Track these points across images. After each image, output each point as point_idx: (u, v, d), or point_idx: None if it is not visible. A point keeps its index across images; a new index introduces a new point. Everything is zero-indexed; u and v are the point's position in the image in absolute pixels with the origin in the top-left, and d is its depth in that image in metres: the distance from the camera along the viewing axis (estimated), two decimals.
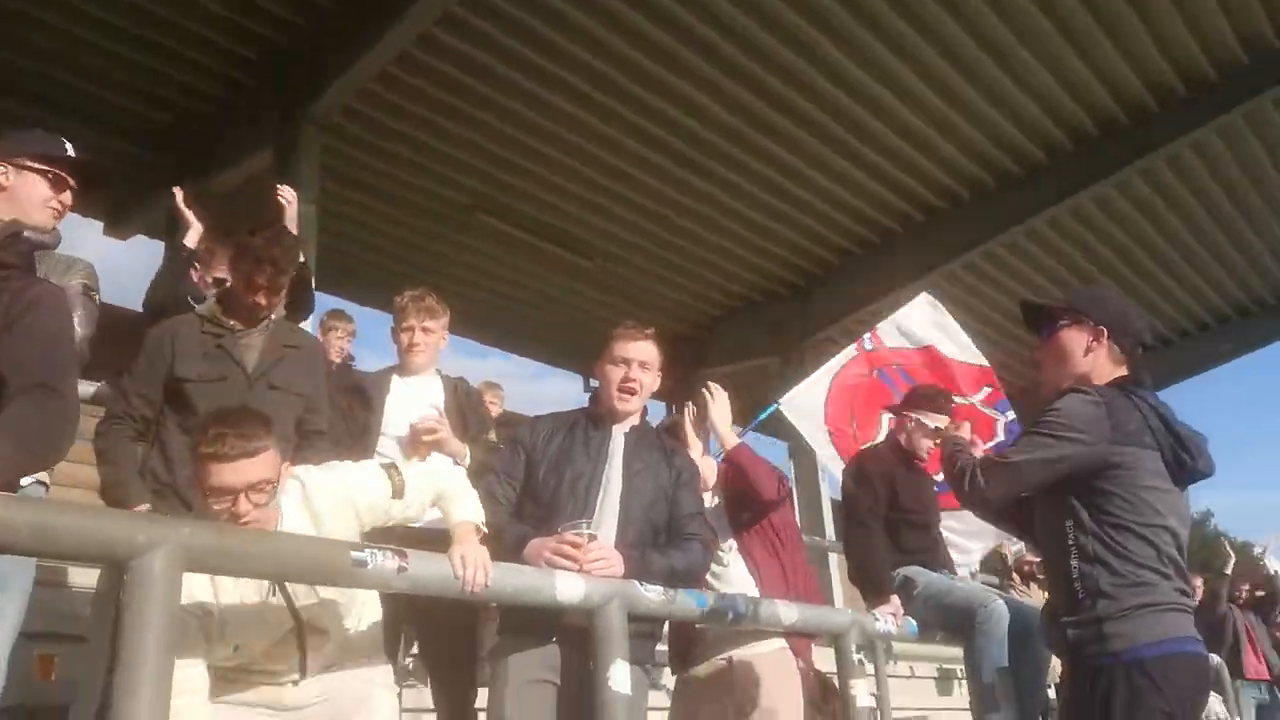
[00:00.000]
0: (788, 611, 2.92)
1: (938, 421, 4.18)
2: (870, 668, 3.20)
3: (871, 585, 3.75)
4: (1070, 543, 2.41)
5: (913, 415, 4.21)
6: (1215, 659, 6.20)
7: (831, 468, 5.03)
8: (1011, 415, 4.93)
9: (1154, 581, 2.35)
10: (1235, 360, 14.00)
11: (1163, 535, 2.39)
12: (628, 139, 8.89)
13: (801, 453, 11.28)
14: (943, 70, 8.48)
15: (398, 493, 2.42)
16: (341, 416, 3.37)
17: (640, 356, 2.88)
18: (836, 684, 3.20)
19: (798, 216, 10.31)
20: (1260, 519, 71.30)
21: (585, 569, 2.42)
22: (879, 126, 9.06)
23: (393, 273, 9.60)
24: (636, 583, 2.47)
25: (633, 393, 2.85)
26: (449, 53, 7.68)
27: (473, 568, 2.19)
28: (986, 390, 5.08)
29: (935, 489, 4.13)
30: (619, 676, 2.27)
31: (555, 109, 8.42)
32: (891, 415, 4.38)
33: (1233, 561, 8.94)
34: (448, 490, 2.51)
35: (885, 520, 3.94)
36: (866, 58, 8.29)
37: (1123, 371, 2.59)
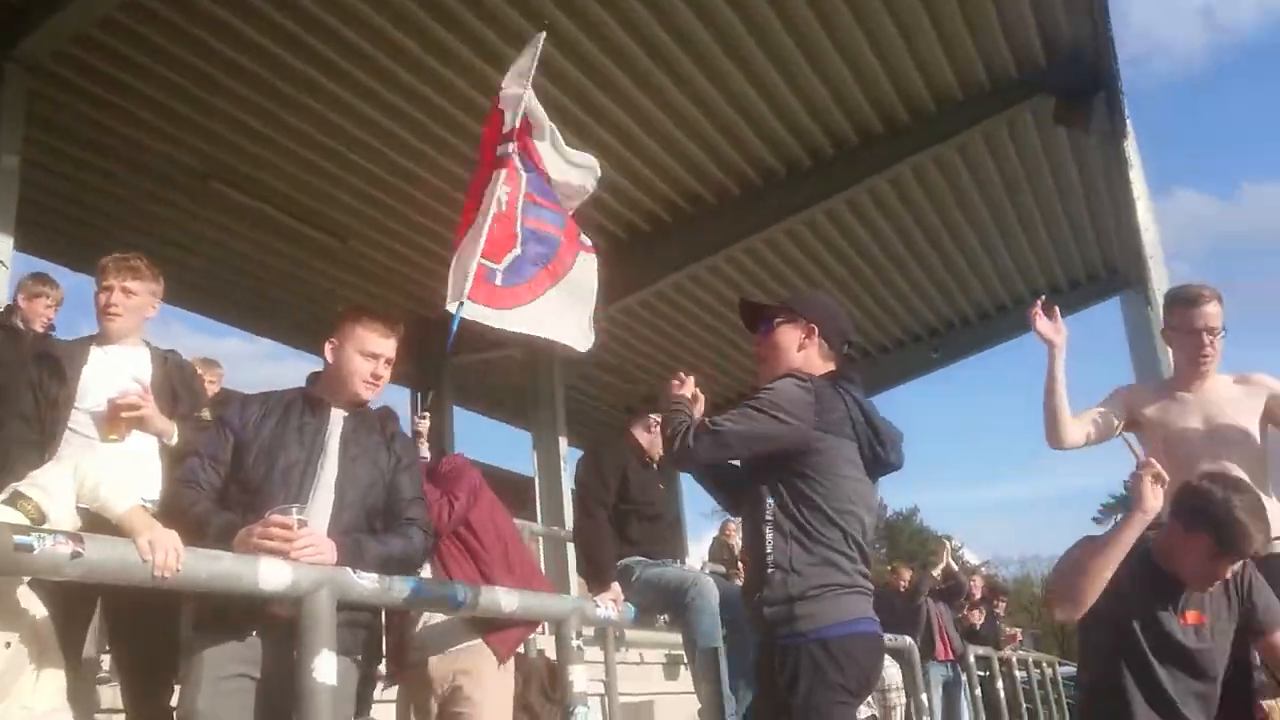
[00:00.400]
0: (508, 599, 2.92)
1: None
2: (601, 653, 3.27)
3: (595, 573, 3.85)
4: (768, 520, 2.53)
5: (655, 418, 4.36)
6: (909, 640, 6.80)
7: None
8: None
9: (840, 564, 2.49)
10: (943, 368, 15.42)
11: (852, 521, 2.54)
12: (382, 117, 8.58)
13: (543, 445, 11.39)
14: (702, 75, 8.77)
15: (38, 520, 2.22)
16: (31, 389, 3.07)
17: (389, 353, 2.80)
18: None
19: None
20: (959, 515, 78.87)
21: (293, 556, 2.30)
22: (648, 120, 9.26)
23: (116, 239, 8.75)
24: (349, 570, 2.38)
25: (376, 388, 2.78)
26: (186, 6, 7.13)
27: (162, 551, 2.03)
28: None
29: (660, 484, 4.30)
30: (323, 667, 2.18)
31: (307, 80, 7.98)
32: (633, 415, 4.50)
33: (943, 565, 9.87)
34: (99, 481, 2.34)
35: (615, 511, 4.05)
36: (631, 63, 8.44)
37: (832, 367, 2.75)
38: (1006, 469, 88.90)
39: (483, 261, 3.19)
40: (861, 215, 11.19)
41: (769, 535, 2.51)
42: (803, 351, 2.74)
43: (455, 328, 3.91)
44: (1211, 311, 3.39)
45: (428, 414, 5.01)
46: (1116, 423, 3.44)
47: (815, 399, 2.55)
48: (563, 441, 11.29)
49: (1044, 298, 3.56)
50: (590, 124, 9.05)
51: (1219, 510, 2.59)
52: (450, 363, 12.07)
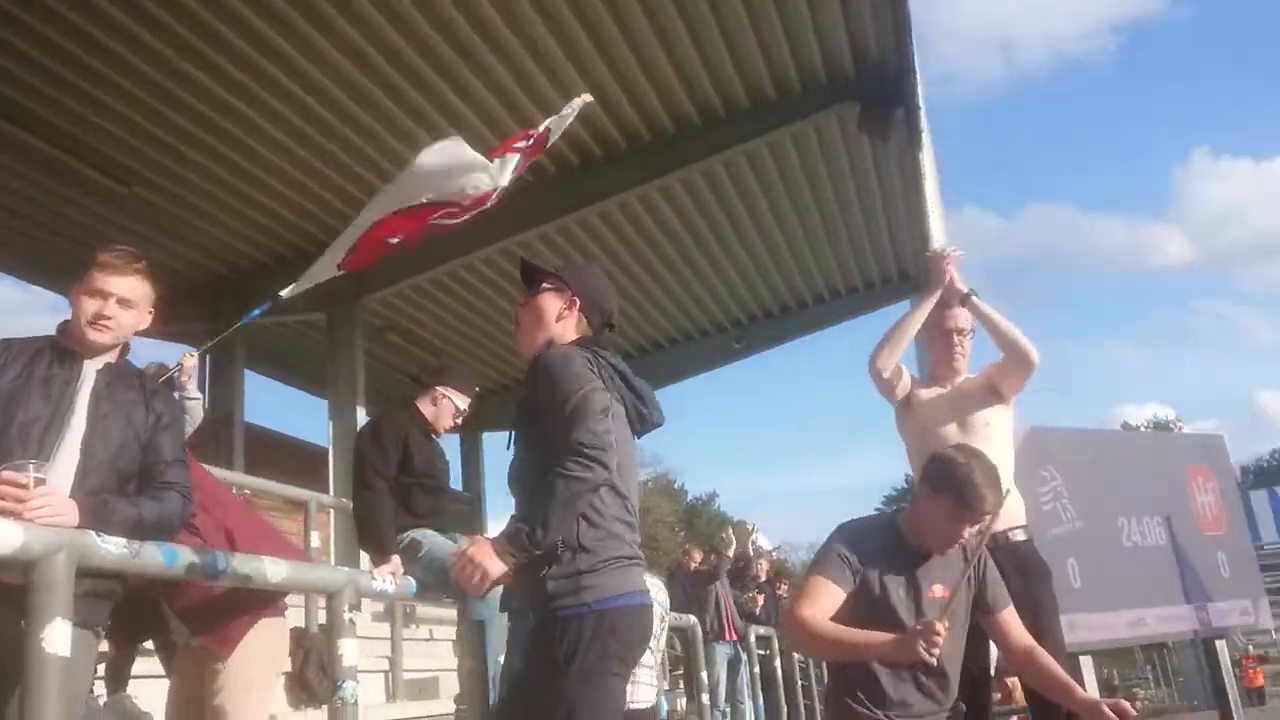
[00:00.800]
0: (276, 569, 2.80)
1: (464, 401, 4.36)
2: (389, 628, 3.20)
3: (374, 545, 3.78)
4: None
5: (445, 391, 4.34)
6: (692, 619, 7.02)
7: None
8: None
9: (624, 535, 2.54)
10: (745, 358, 15.89)
11: (630, 487, 2.61)
12: (179, 59, 8.04)
13: (340, 415, 11.04)
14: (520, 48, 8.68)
15: None
16: None
17: (121, 292, 2.59)
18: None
19: (355, 166, 9.94)
20: (755, 501, 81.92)
21: (26, 516, 2.13)
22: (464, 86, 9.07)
23: None
24: (92, 533, 2.22)
25: (105, 329, 2.57)
26: None
27: None
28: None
29: (447, 461, 4.27)
30: (55, 638, 2.01)
31: (98, 13, 7.43)
32: (419, 387, 4.44)
33: (738, 548, 10.23)
34: None
35: (397, 484, 3.98)
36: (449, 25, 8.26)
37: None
38: (799, 459, 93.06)
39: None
40: (674, 203, 11.38)
41: None
42: (560, 322, 2.75)
43: (257, 313, 4.29)
44: (961, 314, 3.88)
45: (195, 351, 4.72)
46: (902, 385, 3.88)
47: (590, 364, 2.57)
48: (361, 412, 10.98)
49: (958, 251, 3.99)
50: (407, 89, 8.83)
51: (960, 474, 2.84)
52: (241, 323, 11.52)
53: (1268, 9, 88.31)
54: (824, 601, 2.84)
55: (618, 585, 2.47)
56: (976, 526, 2.90)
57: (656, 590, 4.50)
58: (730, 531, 10.59)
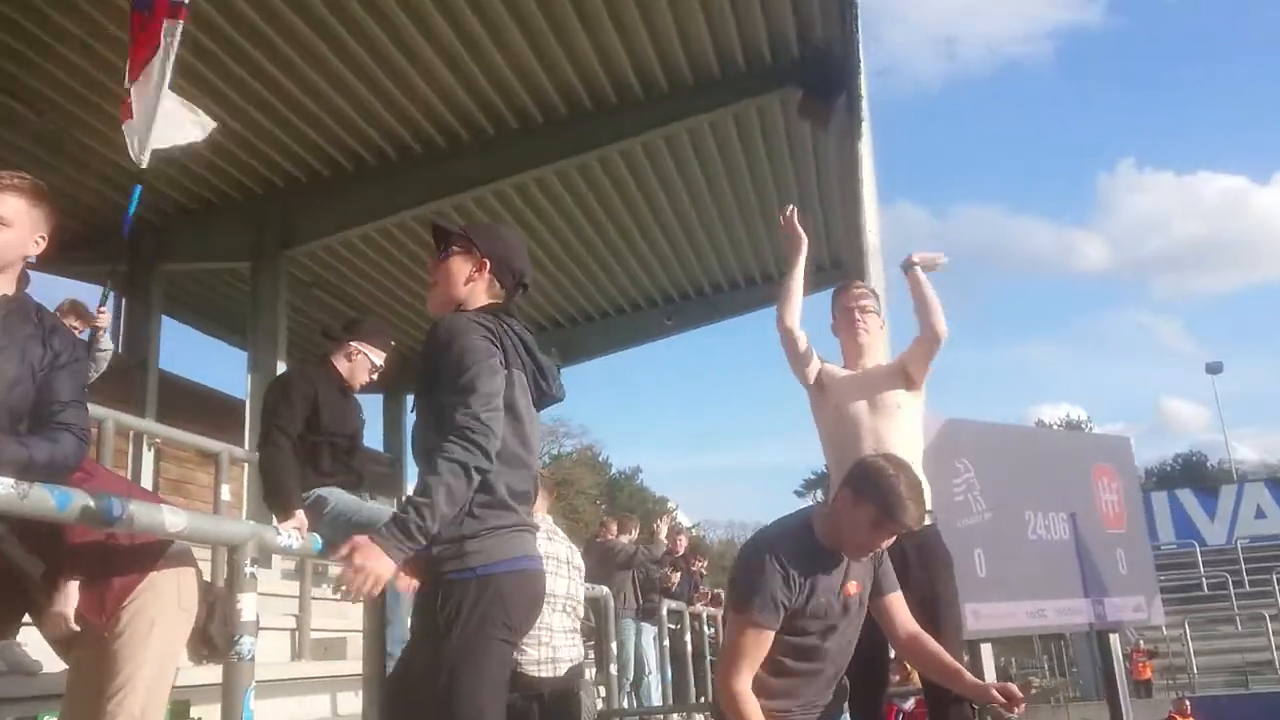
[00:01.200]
0: (175, 518, 2.72)
1: (379, 356, 4.28)
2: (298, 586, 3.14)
3: (279, 502, 3.70)
4: None
5: (359, 346, 4.25)
6: (605, 590, 7.05)
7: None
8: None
9: (513, 505, 2.51)
10: (676, 335, 15.95)
11: (530, 455, 2.58)
12: None
13: (260, 367, 10.81)
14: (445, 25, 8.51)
15: None
16: None
17: (5, 213, 2.46)
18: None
19: (287, 113, 9.62)
20: (677, 478, 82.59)
21: None
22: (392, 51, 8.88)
23: None
24: None
25: None
26: None
27: None
28: None
29: (360, 416, 4.19)
30: None
31: None
32: (334, 342, 4.35)
33: (663, 535, 10.28)
34: None
35: (305, 441, 3.90)
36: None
37: (497, 304, 2.72)
38: (723, 440, 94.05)
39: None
40: (612, 174, 11.33)
41: None
42: (470, 285, 2.71)
43: (132, 210, 4.12)
44: (859, 293, 4.00)
45: (106, 308, 4.59)
46: (813, 365, 3.91)
47: (493, 335, 2.53)
48: (281, 366, 10.74)
49: (792, 207, 4.00)
50: (349, 42, 8.62)
51: (886, 484, 2.82)
52: (162, 270, 11.19)
53: (1199, 30, 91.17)
54: (757, 656, 2.84)
55: (505, 550, 2.44)
56: (894, 538, 2.92)
57: (570, 553, 4.50)
58: (663, 527, 10.64)
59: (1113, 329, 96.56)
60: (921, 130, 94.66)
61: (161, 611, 3.08)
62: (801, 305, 3.93)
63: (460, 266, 2.72)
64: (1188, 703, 16.89)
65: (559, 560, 4.42)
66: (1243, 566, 23.27)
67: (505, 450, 2.49)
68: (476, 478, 2.37)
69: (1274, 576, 21.94)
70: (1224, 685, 19.77)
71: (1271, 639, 20.05)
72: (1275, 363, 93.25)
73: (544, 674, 4.11)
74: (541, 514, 4.46)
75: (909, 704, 8.26)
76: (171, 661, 3.13)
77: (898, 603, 3.12)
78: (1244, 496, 26.79)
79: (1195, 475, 48.92)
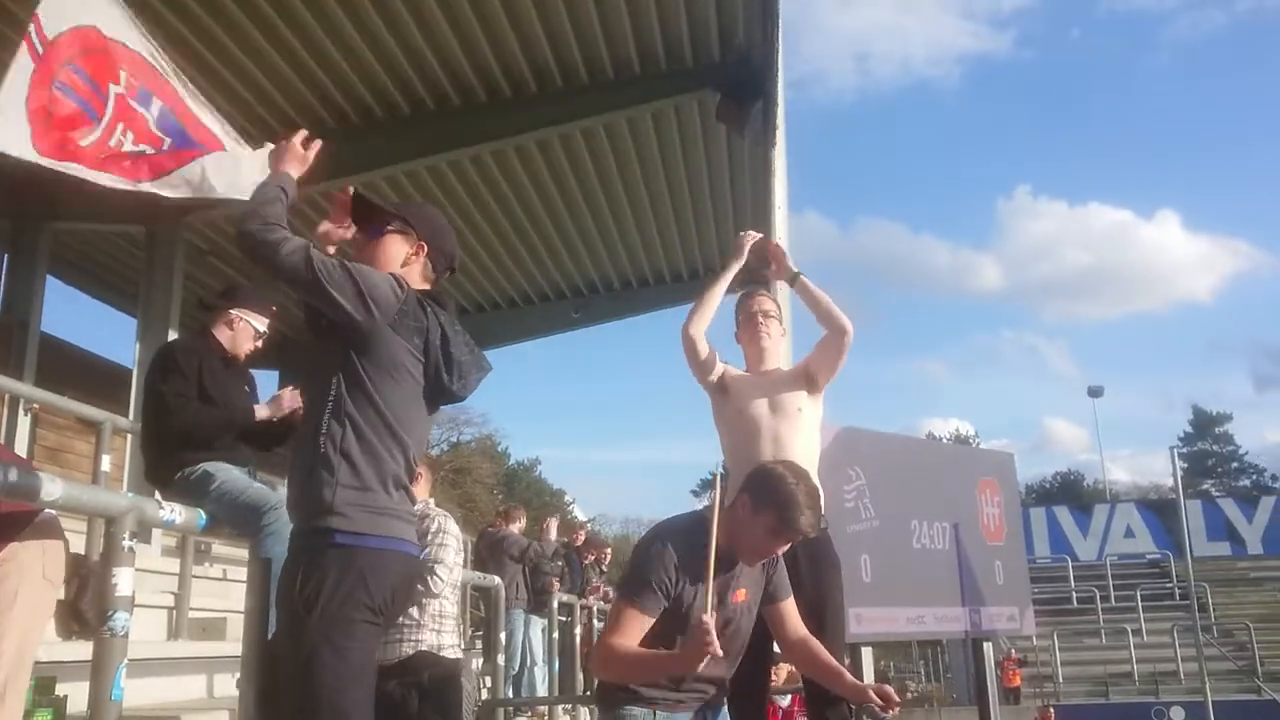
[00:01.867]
0: (52, 486, 2.62)
1: (261, 323, 4.17)
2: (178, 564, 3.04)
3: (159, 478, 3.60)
4: (324, 431, 2.47)
5: (239, 313, 4.14)
6: (496, 580, 7.01)
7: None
8: (158, 108, 4.05)
9: (388, 480, 2.49)
10: (583, 329, 15.92)
11: (408, 434, 2.56)
12: None
13: (150, 335, 10.43)
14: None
15: None
16: None
17: None
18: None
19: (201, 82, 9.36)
20: (574, 472, 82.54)
21: None
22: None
23: None
24: None
25: None
26: None
27: None
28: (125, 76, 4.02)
29: (250, 388, 4.09)
30: None
31: None
32: (211, 311, 4.23)
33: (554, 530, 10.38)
34: None
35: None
36: None
37: (426, 288, 2.74)
38: (624, 436, 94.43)
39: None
40: (527, 163, 11.24)
41: (325, 423, 2.46)
42: (406, 268, 2.71)
43: None
44: (763, 299, 4.12)
45: None
46: (716, 369, 3.98)
47: (402, 301, 2.53)
48: (173, 335, 10.39)
49: (755, 235, 4.23)
50: (269, 14, 8.38)
51: (785, 493, 2.85)
52: (51, 228, 10.70)
53: (1100, 67, 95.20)
54: (635, 632, 2.84)
55: (375, 526, 2.42)
56: (789, 545, 2.97)
57: (455, 541, 4.45)
58: (551, 527, 10.66)
59: (1002, 349, 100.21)
60: (831, 142, 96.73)
61: (25, 583, 2.95)
62: (712, 315, 4.01)
63: (396, 248, 2.72)
64: (1052, 710, 17.64)
65: (459, 541, 4.40)
66: (1110, 582, 24.39)
67: (380, 417, 2.48)
68: (259, 230, 2.44)
69: (1138, 593, 23.07)
70: (1086, 694, 20.69)
71: (1133, 652, 21.08)
72: (1150, 390, 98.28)
73: (425, 659, 4.06)
74: (424, 497, 4.42)
75: (785, 700, 8.43)
76: (36, 635, 3.00)
77: (789, 609, 3.17)
78: (1115, 516, 28.08)
79: (1072, 493, 51.04)
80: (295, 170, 2.67)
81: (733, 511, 2.98)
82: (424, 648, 4.05)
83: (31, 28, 3.82)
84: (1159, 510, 27.60)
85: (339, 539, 2.36)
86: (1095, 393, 48.72)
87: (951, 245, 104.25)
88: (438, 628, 4.14)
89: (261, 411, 3.81)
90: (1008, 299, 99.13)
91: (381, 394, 2.49)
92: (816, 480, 3.67)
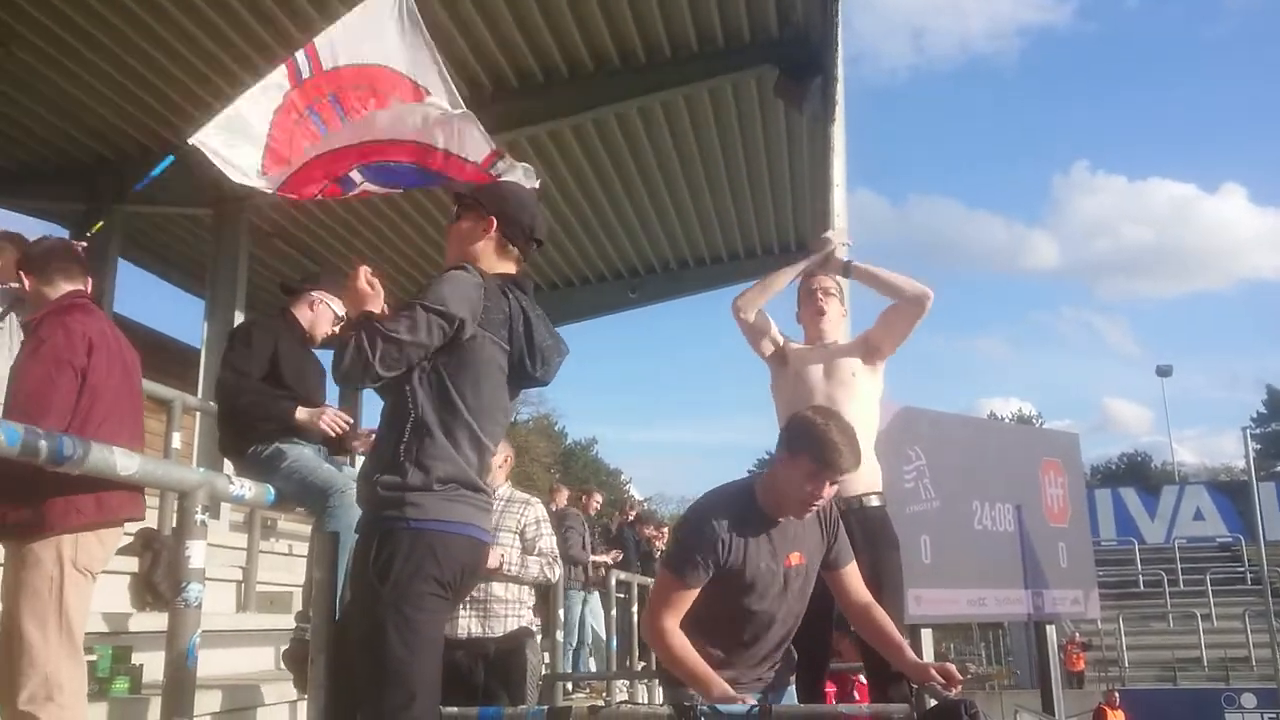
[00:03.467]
0: (127, 461, 2.69)
1: (341, 307, 4.23)
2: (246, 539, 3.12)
3: (263, 413, 3.70)
4: (410, 408, 2.52)
5: (321, 296, 4.20)
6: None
7: (261, 185, 3.97)
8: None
9: (464, 467, 2.54)
10: (639, 308, 15.92)
11: (486, 425, 2.59)
12: None
13: (217, 316, 10.66)
14: None
15: None
16: None
17: None
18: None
19: (257, 58, 9.45)
20: (631, 451, 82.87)
21: None
22: None
23: None
24: None
25: None
26: None
27: None
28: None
29: (322, 371, 4.15)
30: None
31: None
32: (295, 294, 4.30)
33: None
34: None
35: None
36: None
37: (510, 266, 2.75)
38: (680, 415, 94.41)
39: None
40: (584, 143, 11.24)
41: (407, 427, 2.51)
42: (480, 244, 2.72)
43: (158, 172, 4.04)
44: (824, 277, 4.06)
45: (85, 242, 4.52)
46: (773, 337, 3.99)
47: (484, 294, 2.55)
48: (239, 316, 10.61)
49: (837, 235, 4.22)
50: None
51: (818, 432, 2.85)
52: (123, 210, 10.96)
53: (1162, 39, 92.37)
54: (682, 606, 2.87)
55: (448, 512, 2.48)
56: (835, 487, 2.95)
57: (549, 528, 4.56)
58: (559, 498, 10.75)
59: (1060, 327, 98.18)
60: (886, 119, 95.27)
61: (64, 572, 3.09)
62: (768, 299, 3.99)
63: (469, 228, 2.73)
64: (1117, 694, 17.33)
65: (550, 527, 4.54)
66: (1179, 566, 23.85)
67: (460, 412, 2.52)
68: (361, 361, 2.45)
69: (1208, 577, 22.53)
70: (1153, 680, 20.30)
71: (1201, 637, 20.61)
72: (1215, 369, 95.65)
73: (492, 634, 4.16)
74: (503, 482, 4.51)
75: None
76: (78, 620, 3.13)
77: (853, 574, 3.15)
78: (1184, 498, 27.42)
79: (1139, 475, 49.94)
80: (374, 307, 2.63)
81: (772, 471, 2.99)
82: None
83: (302, 53, 4.00)
84: (1230, 492, 26.91)
85: (413, 524, 2.43)
86: (1164, 372, 47.49)
87: (1007, 222, 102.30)
88: (519, 613, 4.29)
89: (300, 414, 3.81)
90: (1065, 276, 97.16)
91: (464, 396, 2.53)
92: (870, 452, 3.67)
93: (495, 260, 2.72)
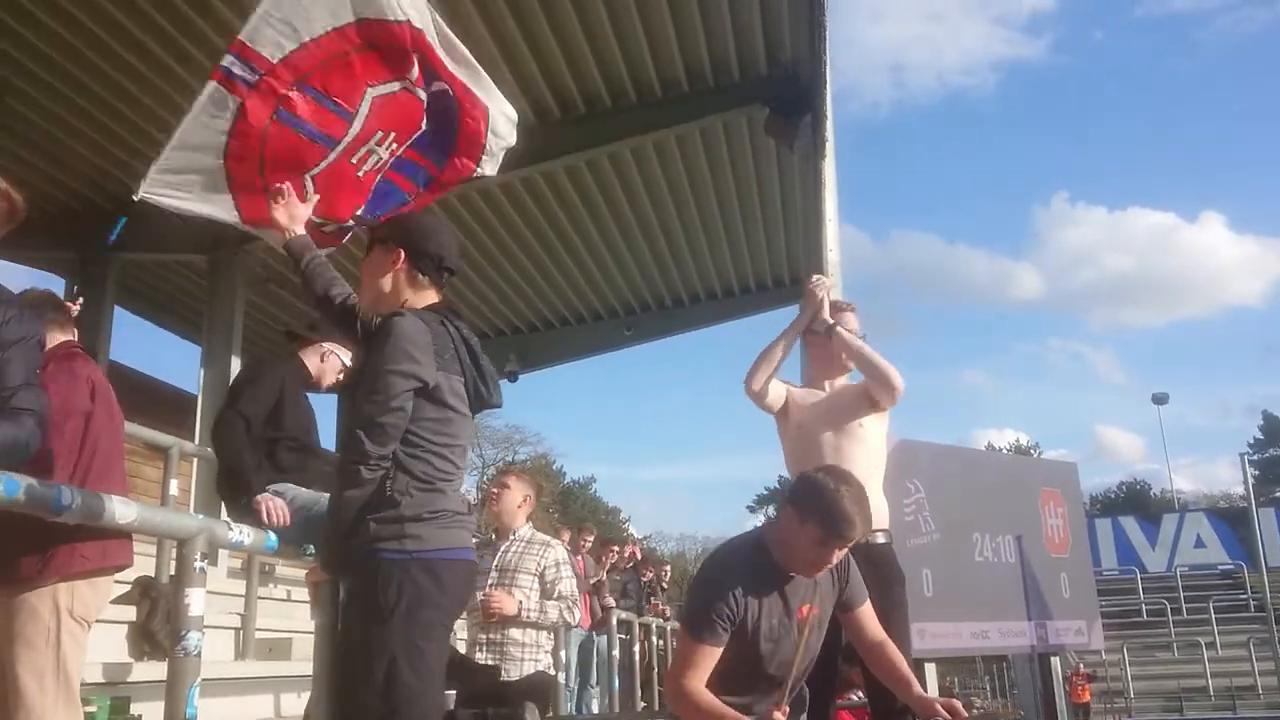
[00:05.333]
0: (125, 510, 2.69)
1: (349, 357, 4.23)
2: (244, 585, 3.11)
3: (238, 480, 3.66)
4: (389, 482, 2.56)
5: (332, 347, 4.21)
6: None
7: (230, 218, 3.41)
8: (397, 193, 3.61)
9: (449, 494, 2.61)
10: (635, 346, 15.93)
11: (458, 455, 2.67)
12: None
13: (214, 362, 10.66)
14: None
15: None
16: None
17: None
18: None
19: None
20: (630, 489, 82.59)
21: None
22: None
23: None
24: None
25: None
26: None
27: None
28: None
29: (312, 416, 4.17)
30: None
31: None
32: (302, 341, 4.31)
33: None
34: None
35: (264, 439, 3.86)
36: None
37: (432, 296, 2.78)
38: (678, 452, 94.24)
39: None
40: (577, 183, 11.31)
41: (392, 464, 2.56)
42: (388, 276, 2.75)
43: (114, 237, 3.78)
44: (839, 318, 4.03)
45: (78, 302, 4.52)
46: (779, 400, 3.96)
47: (433, 337, 2.61)
48: (235, 362, 10.61)
49: (825, 281, 4.16)
50: None
51: (828, 500, 2.82)
52: (118, 258, 11.00)
53: (1136, 69, 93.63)
54: (705, 667, 2.86)
55: (443, 539, 2.54)
56: (844, 551, 2.93)
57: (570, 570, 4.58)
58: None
59: (1048, 358, 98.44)
60: (866, 155, 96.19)
61: (60, 622, 3.08)
62: (776, 369, 3.97)
63: (379, 260, 2.76)
64: None
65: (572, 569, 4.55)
66: (1181, 594, 23.72)
67: (433, 447, 2.59)
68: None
69: (1211, 605, 22.41)
70: (1160, 710, 20.13)
71: (1207, 666, 20.46)
72: (1205, 396, 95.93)
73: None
74: (523, 524, 4.53)
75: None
76: (74, 670, 3.11)
77: (867, 614, 3.16)
78: (1184, 526, 27.32)
79: (1138, 503, 49.83)
80: (303, 216, 2.97)
81: (780, 525, 2.96)
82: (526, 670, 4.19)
83: (230, 56, 3.22)
84: (1230, 519, 26.83)
85: (416, 555, 2.49)
86: (1160, 400, 47.54)
87: (988, 255, 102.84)
88: (536, 656, 4.29)
89: (255, 500, 3.71)
90: (1050, 307, 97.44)
91: (433, 437, 2.60)
92: (878, 491, 3.66)
93: (413, 292, 2.76)
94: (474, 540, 2.73)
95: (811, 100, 9.32)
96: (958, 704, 2.82)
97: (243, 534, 3.22)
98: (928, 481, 6.92)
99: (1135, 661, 20.97)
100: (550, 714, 4.24)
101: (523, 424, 43.57)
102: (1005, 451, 49.46)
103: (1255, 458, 49.45)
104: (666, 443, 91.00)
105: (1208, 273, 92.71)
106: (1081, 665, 20.32)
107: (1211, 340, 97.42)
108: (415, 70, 3.38)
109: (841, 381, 4.03)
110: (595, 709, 9.41)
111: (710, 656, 2.86)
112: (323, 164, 3.35)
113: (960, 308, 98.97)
